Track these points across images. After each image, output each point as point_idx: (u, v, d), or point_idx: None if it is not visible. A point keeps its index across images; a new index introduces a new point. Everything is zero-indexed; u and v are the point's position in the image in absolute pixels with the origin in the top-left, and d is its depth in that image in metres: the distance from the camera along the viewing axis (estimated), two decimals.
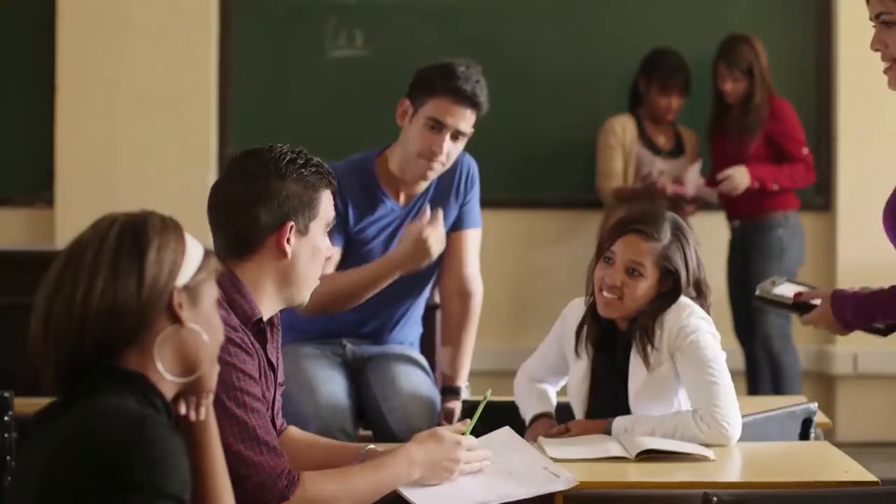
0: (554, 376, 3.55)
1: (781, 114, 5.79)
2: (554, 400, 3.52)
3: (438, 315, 4.27)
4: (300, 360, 3.78)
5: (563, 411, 3.47)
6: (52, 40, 6.05)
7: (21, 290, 2.72)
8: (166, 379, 1.94)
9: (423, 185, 3.88)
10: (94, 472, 1.79)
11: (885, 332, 2.86)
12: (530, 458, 2.85)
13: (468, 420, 2.79)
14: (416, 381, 3.84)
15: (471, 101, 3.74)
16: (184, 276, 1.95)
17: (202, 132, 6.08)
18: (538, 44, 6.17)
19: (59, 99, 6.05)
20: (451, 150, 3.78)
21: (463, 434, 2.73)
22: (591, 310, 3.37)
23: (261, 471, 2.47)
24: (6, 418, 3.31)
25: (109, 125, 6.05)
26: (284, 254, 2.60)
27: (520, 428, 3.26)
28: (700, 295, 3.35)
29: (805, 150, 5.78)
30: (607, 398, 3.35)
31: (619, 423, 3.24)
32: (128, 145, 6.05)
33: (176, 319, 1.94)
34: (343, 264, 3.79)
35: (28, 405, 3.17)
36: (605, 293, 3.31)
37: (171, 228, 1.97)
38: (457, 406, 3.91)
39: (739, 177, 5.70)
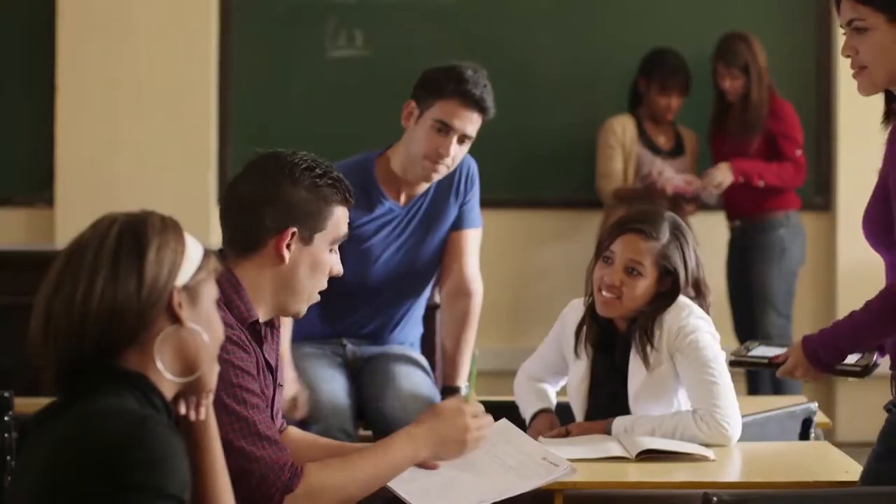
0: (553, 376, 3.55)
1: (782, 114, 5.80)
2: (554, 400, 3.52)
3: (439, 315, 4.27)
4: (300, 360, 3.78)
5: (563, 411, 3.47)
6: (52, 40, 6.05)
7: (21, 290, 2.73)
8: (166, 379, 1.94)
9: (423, 186, 3.88)
10: (94, 472, 1.79)
11: (862, 373, 2.82)
12: (528, 448, 2.83)
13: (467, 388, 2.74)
14: (416, 381, 3.84)
15: (479, 105, 3.75)
16: (183, 276, 1.95)
17: (202, 132, 6.07)
18: (538, 44, 6.17)
19: (59, 99, 6.05)
20: (456, 153, 3.78)
21: (466, 401, 2.69)
22: (591, 310, 3.38)
23: (264, 465, 2.47)
24: (6, 418, 3.31)
25: (109, 125, 6.05)
26: (282, 259, 2.58)
27: (520, 428, 3.26)
28: (699, 294, 3.35)
29: (799, 152, 5.78)
30: (607, 398, 3.35)
31: (619, 423, 3.24)
32: (128, 145, 6.05)
33: (176, 319, 1.94)
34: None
35: (28, 405, 3.17)
36: (604, 292, 3.31)
37: (170, 228, 1.97)
38: None
39: (721, 174, 5.70)
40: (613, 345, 3.37)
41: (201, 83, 6.09)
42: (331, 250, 2.64)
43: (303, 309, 2.65)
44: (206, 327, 1.97)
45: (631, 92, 6.01)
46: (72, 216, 5.88)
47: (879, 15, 2.72)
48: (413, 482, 2.62)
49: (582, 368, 3.38)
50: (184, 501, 1.83)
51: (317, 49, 6.16)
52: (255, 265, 2.59)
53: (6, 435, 3.29)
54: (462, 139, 3.77)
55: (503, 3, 6.20)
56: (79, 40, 6.03)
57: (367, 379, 3.86)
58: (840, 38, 6.34)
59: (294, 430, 2.85)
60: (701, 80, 5.90)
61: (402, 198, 3.89)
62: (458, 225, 3.95)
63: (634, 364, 3.31)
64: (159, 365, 1.93)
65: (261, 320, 2.61)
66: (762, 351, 3.05)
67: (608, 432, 3.24)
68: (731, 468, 3.12)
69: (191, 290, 1.96)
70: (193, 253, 1.98)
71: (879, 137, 2.87)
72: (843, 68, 6.11)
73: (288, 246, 2.58)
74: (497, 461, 2.73)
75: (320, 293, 2.66)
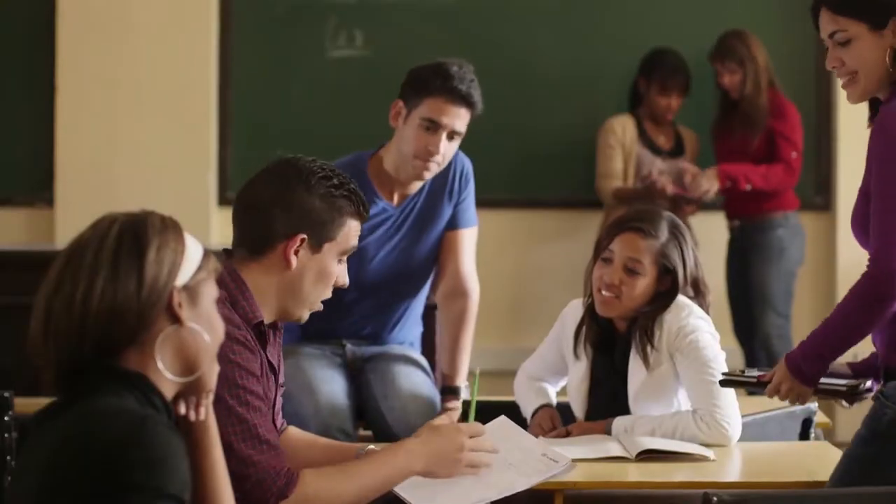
0: (554, 376, 3.55)
1: (785, 114, 5.79)
2: (554, 399, 3.53)
3: (438, 314, 4.26)
4: (300, 360, 3.78)
5: (564, 412, 3.47)
6: (52, 40, 6.05)
7: (21, 290, 2.73)
8: (166, 379, 1.94)
9: (416, 185, 3.87)
10: (94, 472, 1.79)
11: (847, 394, 2.81)
12: (528, 444, 2.83)
13: (466, 406, 2.74)
14: (415, 381, 3.84)
15: (466, 100, 3.74)
16: (183, 276, 1.95)
17: (202, 132, 6.07)
18: (538, 44, 6.17)
19: (59, 99, 6.05)
20: (446, 150, 3.77)
21: (470, 418, 2.68)
22: (590, 311, 3.38)
23: (261, 469, 2.47)
24: (6, 418, 3.31)
25: (109, 125, 6.05)
26: (289, 264, 2.59)
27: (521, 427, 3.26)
28: (698, 294, 3.35)
29: (794, 155, 5.77)
30: (607, 399, 3.35)
31: (619, 423, 3.24)
32: (128, 145, 6.05)
33: (176, 319, 1.94)
34: None
35: (28, 405, 3.17)
36: (603, 292, 3.31)
37: (170, 228, 1.97)
38: (457, 406, 3.91)
39: (707, 181, 5.70)
40: (613, 345, 3.37)
41: (201, 83, 6.09)
42: (339, 261, 2.65)
43: (304, 315, 2.66)
44: (206, 327, 1.97)
45: (631, 92, 6.01)
46: (72, 216, 5.88)
47: (861, 24, 2.74)
48: (413, 480, 2.62)
49: (582, 369, 3.38)
50: (184, 501, 1.83)
51: (317, 49, 6.15)
52: (262, 268, 2.60)
53: (6, 435, 3.29)
54: (451, 135, 3.76)
55: (503, 3, 6.20)
56: (79, 40, 6.03)
57: (367, 379, 3.86)
58: None
59: (294, 430, 2.86)
60: (701, 80, 5.90)
61: (396, 198, 3.88)
62: (453, 224, 3.93)
63: (634, 364, 3.31)
64: (159, 365, 1.93)
65: (265, 322, 2.61)
66: (753, 372, 3.06)
67: (608, 432, 3.24)
68: (731, 468, 3.12)
69: (191, 290, 1.96)
70: (193, 253, 1.98)
71: None
72: None
73: (296, 252, 2.59)
74: (497, 458, 2.73)
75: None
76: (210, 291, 2.00)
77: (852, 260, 6.03)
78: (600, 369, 3.38)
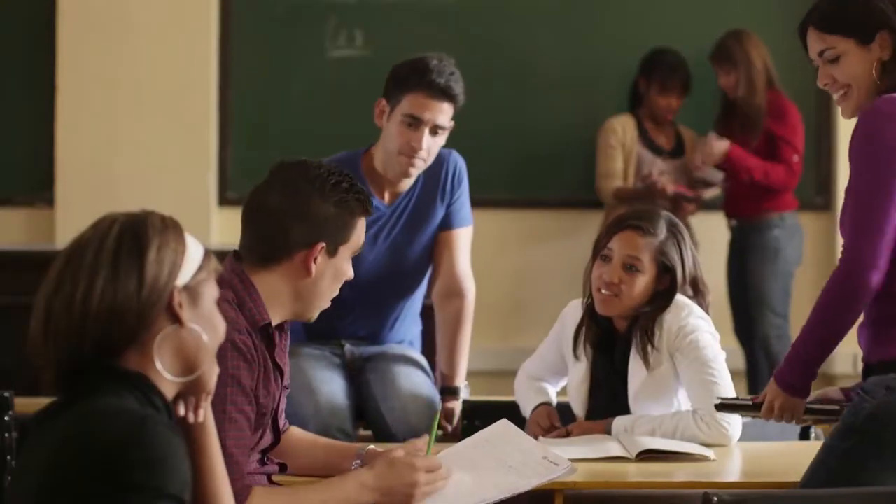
0: (554, 376, 3.55)
1: (786, 117, 5.79)
2: (554, 399, 3.52)
3: None
4: (300, 360, 3.77)
5: (564, 412, 3.47)
6: (52, 40, 6.05)
7: (21, 290, 2.73)
8: (166, 379, 1.94)
9: (407, 184, 3.85)
10: (94, 472, 1.79)
11: (839, 415, 2.83)
12: (528, 448, 2.83)
13: (427, 437, 2.70)
14: (415, 381, 3.83)
15: (446, 94, 3.72)
16: (184, 276, 1.95)
17: (202, 132, 6.07)
18: (538, 44, 6.17)
19: (59, 99, 6.04)
20: (430, 145, 3.76)
21: (428, 451, 2.66)
22: (590, 311, 3.37)
23: None
24: (6, 418, 3.31)
25: (109, 125, 6.05)
26: (309, 272, 2.61)
27: (520, 427, 3.26)
28: (697, 293, 3.35)
29: (796, 158, 5.77)
30: (607, 399, 3.35)
31: (619, 423, 3.24)
32: (128, 145, 6.05)
33: (176, 319, 1.94)
34: None
35: (28, 405, 3.17)
36: (603, 291, 3.31)
37: (171, 228, 1.97)
38: (456, 406, 3.90)
39: (718, 143, 5.70)
40: (613, 345, 3.37)
41: (201, 83, 6.09)
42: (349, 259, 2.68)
43: (315, 315, 2.70)
44: (206, 327, 1.97)
45: (631, 92, 6.01)
46: (72, 216, 5.88)
47: (849, 40, 2.79)
48: None
49: (582, 370, 3.38)
50: (184, 501, 1.83)
51: (317, 49, 6.15)
52: (277, 275, 2.61)
53: (6, 435, 3.29)
54: (435, 130, 3.75)
55: (503, 3, 6.20)
56: (79, 40, 6.03)
57: (366, 379, 3.85)
58: None
59: (296, 431, 2.86)
60: (701, 80, 5.90)
61: (387, 196, 3.86)
62: (447, 224, 3.91)
63: (634, 364, 3.31)
64: (158, 365, 1.93)
65: (273, 324, 2.61)
66: (747, 397, 3.08)
67: (608, 432, 3.24)
68: (731, 468, 3.12)
69: (191, 290, 1.96)
70: (194, 253, 1.98)
71: None
72: None
73: (315, 260, 2.60)
74: (497, 461, 2.74)
75: None
76: (211, 291, 2.00)
77: None
78: (600, 369, 3.38)
